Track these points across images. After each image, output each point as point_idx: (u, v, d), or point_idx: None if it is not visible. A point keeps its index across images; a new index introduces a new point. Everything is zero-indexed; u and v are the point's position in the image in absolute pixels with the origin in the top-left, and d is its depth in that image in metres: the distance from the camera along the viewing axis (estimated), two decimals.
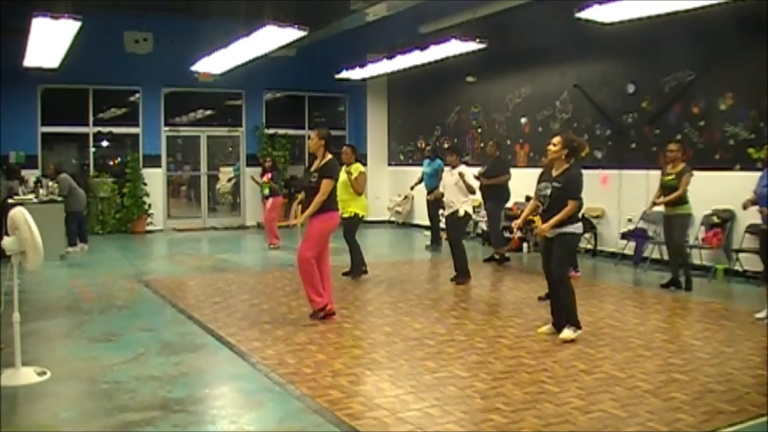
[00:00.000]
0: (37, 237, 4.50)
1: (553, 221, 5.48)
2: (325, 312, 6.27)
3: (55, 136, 13.87)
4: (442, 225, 10.94)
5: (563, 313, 5.64)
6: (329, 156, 6.19)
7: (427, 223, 11.85)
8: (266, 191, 11.51)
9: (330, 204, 6.22)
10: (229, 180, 15.82)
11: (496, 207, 9.79)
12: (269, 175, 11.63)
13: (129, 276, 8.85)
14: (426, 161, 11.54)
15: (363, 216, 8.40)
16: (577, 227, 5.63)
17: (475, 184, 8.21)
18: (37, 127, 13.43)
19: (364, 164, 15.70)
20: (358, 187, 8.07)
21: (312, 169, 6.28)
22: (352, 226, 8.37)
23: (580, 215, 5.80)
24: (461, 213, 7.98)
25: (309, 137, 6.11)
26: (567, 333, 5.54)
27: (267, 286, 8.02)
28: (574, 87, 10.67)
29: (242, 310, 6.75)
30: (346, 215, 8.13)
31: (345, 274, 8.53)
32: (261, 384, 4.58)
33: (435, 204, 11.04)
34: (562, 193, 5.51)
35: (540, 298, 7.01)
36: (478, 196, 9.80)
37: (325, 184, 6.08)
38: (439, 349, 5.37)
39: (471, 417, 3.95)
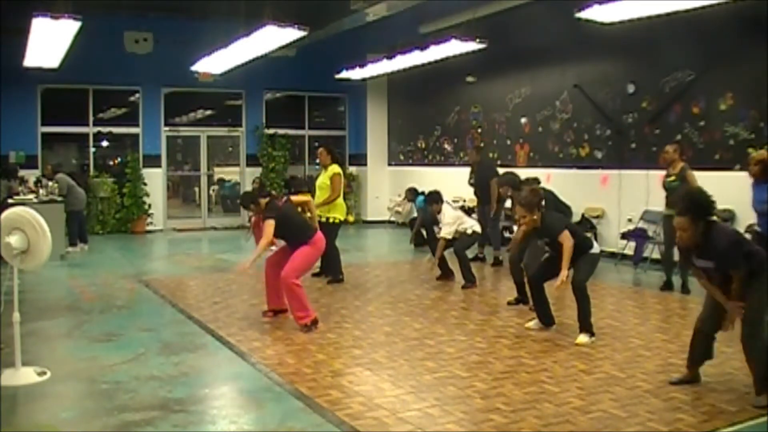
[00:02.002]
0: (47, 236, 4.51)
1: (565, 265, 5.52)
2: (283, 310, 6.32)
3: (55, 136, 13.88)
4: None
5: (579, 319, 5.66)
6: (336, 167, 7.47)
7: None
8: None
9: (307, 232, 6.12)
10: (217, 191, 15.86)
11: (495, 210, 9.78)
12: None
13: (129, 276, 8.85)
14: (411, 206, 11.66)
15: (342, 220, 8.24)
16: (595, 248, 5.79)
17: (446, 233, 7.89)
18: (37, 127, 13.43)
19: (363, 164, 15.89)
20: (333, 191, 8.03)
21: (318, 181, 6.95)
22: (329, 230, 8.03)
23: (590, 235, 5.95)
24: (469, 232, 7.93)
25: (318, 151, 7.81)
26: (583, 338, 5.55)
27: None
28: (574, 87, 10.67)
29: (242, 310, 6.76)
30: (323, 219, 7.99)
31: (315, 275, 8.34)
32: (261, 384, 4.58)
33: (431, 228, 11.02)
34: (554, 242, 5.64)
35: (509, 303, 6.99)
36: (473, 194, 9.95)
37: (268, 225, 5.96)
38: (439, 349, 5.37)
39: (471, 417, 3.95)
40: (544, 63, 11.25)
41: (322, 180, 8.17)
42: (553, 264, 5.82)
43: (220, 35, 10.14)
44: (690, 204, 4.19)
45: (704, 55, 8.78)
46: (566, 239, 5.54)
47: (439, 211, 8.02)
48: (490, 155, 11.96)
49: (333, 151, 8.48)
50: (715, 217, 4.30)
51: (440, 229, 8.12)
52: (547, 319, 5.96)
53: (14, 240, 4.53)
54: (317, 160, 8.64)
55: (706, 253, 4.18)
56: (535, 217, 5.65)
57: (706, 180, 7.79)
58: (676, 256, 7.79)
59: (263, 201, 6.15)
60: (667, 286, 7.71)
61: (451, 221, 7.89)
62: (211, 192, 15.80)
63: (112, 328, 6.03)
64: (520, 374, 4.72)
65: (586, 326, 5.61)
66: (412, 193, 11.58)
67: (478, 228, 8.04)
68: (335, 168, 8.17)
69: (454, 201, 10.40)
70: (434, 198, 8.15)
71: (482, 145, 12.07)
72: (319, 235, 6.21)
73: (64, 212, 10.39)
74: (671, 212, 7.51)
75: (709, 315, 4.36)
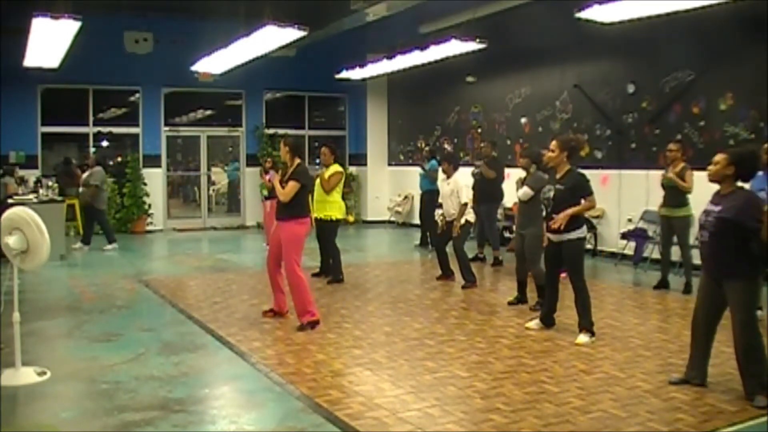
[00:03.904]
0: (45, 236, 4.51)
1: (570, 212, 5.44)
2: (282, 313, 6.35)
3: (55, 136, 13.88)
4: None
5: (579, 318, 5.66)
6: (297, 161, 6.19)
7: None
8: (266, 192, 11.33)
9: (301, 210, 6.10)
10: (215, 183, 15.89)
11: (491, 209, 9.74)
12: (269, 176, 11.55)
13: (129, 276, 8.85)
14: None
15: (340, 219, 8.29)
16: (582, 231, 5.66)
17: (466, 197, 7.84)
18: (37, 127, 13.43)
19: (363, 164, 15.89)
20: (326, 185, 8.04)
21: (284, 178, 6.21)
22: (328, 229, 8.22)
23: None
24: (462, 221, 7.86)
25: (285, 142, 6.34)
26: (583, 338, 5.55)
27: (267, 286, 7.92)
28: (574, 87, 10.67)
29: (242, 310, 6.76)
30: (321, 217, 8.07)
31: (315, 275, 8.40)
32: (261, 384, 4.58)
33: (429, 205, 10.98)
34: (567, 195, 5.55)
35: (510, 303, 6.97)
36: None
37: (291, 186, 6.01)
38: (439, 349, 5.37)
39: (471, 417, 3.95)
40: (544, 63, 11.25)
41: (323, 178, 8.16)
42: (558, 256, 5.77)
43: (220, 35, 10.15)
44: (743, 156, 4.29)
45: (704, 55, 8.78)
46: (592, 202, 5.55)
47: (449, 175, 7.93)
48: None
49: (335, 150, 8.53)
50: (745, 186, 4.36)
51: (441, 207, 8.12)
52: (549, 320, 5.96)
53: (12, 241, 4.53)
54: (317, 160, 8.63)
55: (724, 200, 4.21)
56: (564, 158, 5.60)
57: (707, 180, 7.84)
58: (674, 256, 7.87)
59: (297, 161, 6.18)
60: (663, 284, 7.71)
61: (468, 185, 7.86)
62: (211, 192, 15.80)
63: (112, 328, 6.03)
64: (520, 374, 4.72)
65: (586, 325, 5.61)
66: (430, 152, 11.66)
67: (471, 217, 7.97)
68: (337, 167, 8.20)
69: None
70: (450, 158, 8.19)
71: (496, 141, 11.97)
72: (309, 218, 6.33)
73: (84, 208, 11.08)
74: (668, 212, 7.57)
75: (701, 306, 4.40)
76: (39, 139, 13.49)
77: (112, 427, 3.80)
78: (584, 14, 7.49)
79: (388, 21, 11.62)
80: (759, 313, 6.14)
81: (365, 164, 15.95)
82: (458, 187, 7.78)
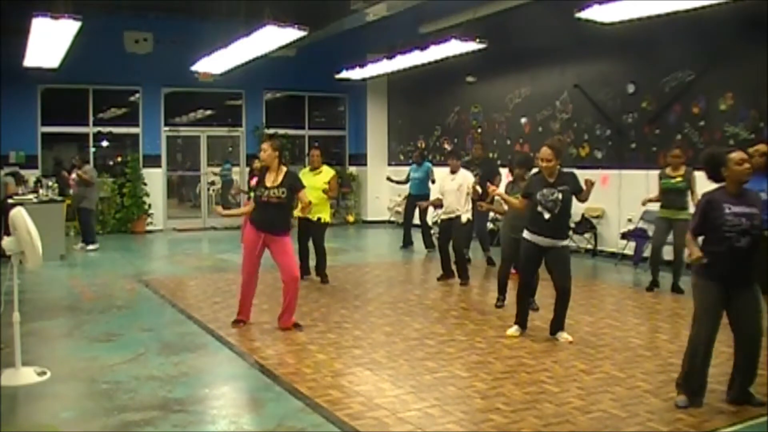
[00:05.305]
0: (35, 237, 4.50)
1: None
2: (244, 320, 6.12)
3: (55, 136, 13.87)
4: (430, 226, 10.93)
5: (557, 319, 5.64)
6: (285, 168, 5.97)
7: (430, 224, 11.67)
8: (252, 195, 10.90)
9: (290, 221, 6.18)
10: (214, 183, 15.86)
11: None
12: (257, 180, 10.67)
13: (129, 276, 8.85)
14: (413, 166, 11.46)
15: (329, 222, 8.34)
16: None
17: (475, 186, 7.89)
18: (37, 127, 13.43)
19: (363, 164, 15.89)
20: (334, 192, 8.13)
21: (270, 184, 5.87)
22: (321, 231, 8.24)
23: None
24: (464, 220, 7.82)
25: (272, 145, 5.96)
26: (566, 336, 5.59)
27: (267, 286, 7.97)
28: (574, 87, 10.67)
29: None
30: (314, 219, 8.03)
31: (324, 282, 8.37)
32: (261, 384, 4.58)
33: (414, 207, 11.00)
34: (570, 195, 5.58)
35: (497, 306, 6.88)
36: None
37: (305, 194, 6.04)
38: (439, 349, 5.37)
39: (471, 417, 3.95)
40: (544, 63, 11.25)
41: (318, 180, 8.10)
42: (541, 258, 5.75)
43: (220, 35, 10.14)
44: None
45: (704, 55, 8.78)
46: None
47: (455, 171, 7.92)
48: (491, 155, 11.94)
49: (323, 153, 8.61)
50: None
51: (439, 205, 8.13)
52: (526, 325, 5.85)
53: (9, 241, 4.52)
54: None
55: (749, 201, 4.00)
56: (558, 165, 5.60)
57: (706, 180, 7.83)
58: (670, 256, 7.86)
59: (284, 168, 5.98)
60: (655, 284, 7.70)
61: (472, 181, 7.85)
62: (210, 192, 15.79)
63: (112, 328, 6.03)
64: (520, 374, 4.72)
65: (563, 325, 5.64)
66: (420, 156, 11.64)
67: (470, 215, 7.94)
68: (331, 170, 8.27)
69: None
70: (458, 154, 8.30)
71: (494, 142, 11.93)
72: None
73: (75, 209, 10.97)
74: (671, 214, 7.56)
75: (712, 329, 4.09)
76: (39, 139, 13.48)
77: (112, 427, 3.80)
78: (584, 14, 7.49)
79: (388, 21, 11.63)
80: None
81: (365, 164, 15.96)
82: (467, 182, 7.78)
